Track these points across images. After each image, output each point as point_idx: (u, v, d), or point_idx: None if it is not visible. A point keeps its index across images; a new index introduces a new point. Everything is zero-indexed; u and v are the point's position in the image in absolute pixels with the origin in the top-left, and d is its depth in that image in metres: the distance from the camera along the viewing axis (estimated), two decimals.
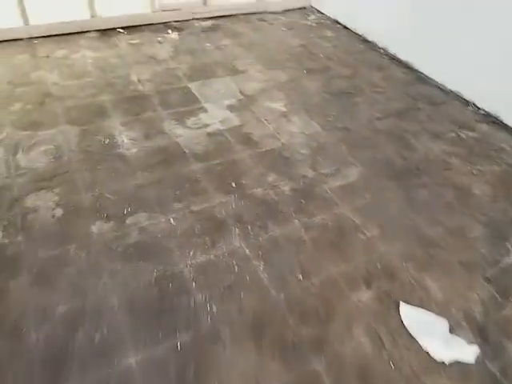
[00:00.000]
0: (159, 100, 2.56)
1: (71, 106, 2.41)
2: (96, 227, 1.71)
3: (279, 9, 4.04)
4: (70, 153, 2.07)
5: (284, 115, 2.54)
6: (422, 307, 1.56)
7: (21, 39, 3.01)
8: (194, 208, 1.84)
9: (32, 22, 3.02)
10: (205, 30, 3.50)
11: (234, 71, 2.94)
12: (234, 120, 2.45)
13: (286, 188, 1.99)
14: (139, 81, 2.72)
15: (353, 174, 2.12)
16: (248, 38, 3.45)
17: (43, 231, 1.67)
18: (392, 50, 3.37)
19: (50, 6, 3.27)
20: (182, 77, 2.81)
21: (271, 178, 2.05)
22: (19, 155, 2.03)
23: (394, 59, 3.29)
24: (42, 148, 2.08)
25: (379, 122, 2.54)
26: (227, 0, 3.82)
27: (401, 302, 1.56)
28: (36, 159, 2.01)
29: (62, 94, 2.51)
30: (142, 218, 1.77)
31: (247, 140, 2.29)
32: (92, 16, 3.20)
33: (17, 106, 2.36)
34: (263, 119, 2.48)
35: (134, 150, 2.14)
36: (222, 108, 2.55)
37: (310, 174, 2.09)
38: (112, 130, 2.27)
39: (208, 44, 3.27)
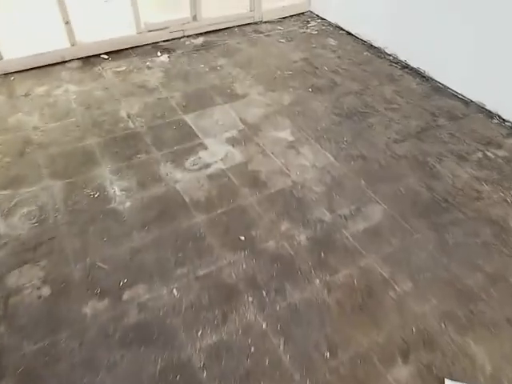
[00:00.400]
0: (153, 138, 2.40)
1: (55, 154, 2.26)
2: (89, 308, 1.56)
3: (275, 17, 3.88)
4: (56, 213, 1.92)
5: (292, 146, 2.37)
6: (468, 381, 1.39)
7: None
8: (200, 272, 1.68)
9: (6, 55, 2.87)
10: (197, 49, 3.35)
11: (233, 96, 2.78)
12: (238, 156, 2.29)
13: (301, 238, 1.83)
14: (129, 116, 2.57)
15: (375, 213, 1.95)
16: (245, 54, 3.29)
17: (29, 318, 1.52)
18: (402, 57, 3.20)
19: (25, 36, 3.13)
20: (176, 108, 2.66)
21: (284, 226, 1.88)
22: None
23: (405, 67, 3.12)
24: (24, 210, 1.93)
25: (398, 145, 2.37)
26: (218, 12, 3.66)
27: (445, 380, 1.39)
28: (17, 225, 1.86)
29: (44, 140, 2.36)
30: (140, 291, 1.61)
31: (254, 180, 2.13)
32: (72, 44, 3.05)
33: None
34: (269, 152, 2.32)
35: (128, 204, 1.98)
36: (223, 142, 2.39)
37: (327, 217, 1.93)
38: (102, 180, 2.11)
39: (202, 65, 3.12)
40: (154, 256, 1.75)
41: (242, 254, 1.75)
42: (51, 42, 3.03)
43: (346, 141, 2.40)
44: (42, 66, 2.99)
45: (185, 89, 2.85)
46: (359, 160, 2.27)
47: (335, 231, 1.86)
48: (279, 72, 3.07)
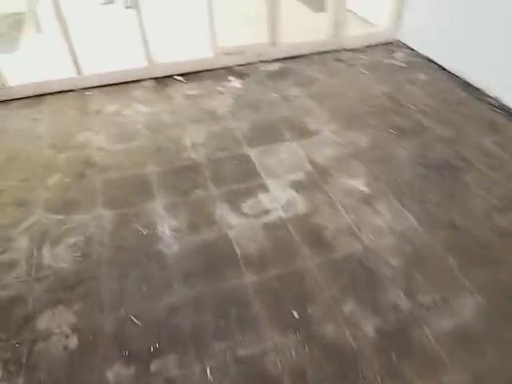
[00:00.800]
0: (212, 172, 2.19)
1: (113, 180, 2.14)
2: (113, 373, 1.34)
3: (359, 45, 3.54)
4: (101, 248, 1.77)
5: (366, 199, 2.01)
6: None
7: (73, 90, 2.88)
8: (240, 352, 1.40)
9: (85, 72, 2.88)
10: (272, 76, 3.12)
11: (304, 132, 2.49)
12: (301, 205, 1.99)
13: (368, 328, 1.46)
14: (193, 145, 2.39)
15: (467, 307, 1.52)
16: (322, 85, 3.00)
17: (50, 372, 1.35)
18: (508, 101, 2.68)
19: (104, 54, 3.15)
20: (241, 140, 2.43)
21: (348, 307, 1.53)
22: (45, 249, 1.77)
23: (511, 114, 2.59)
24: (72, 240, 1.81)
25: (501, 216, 1.90)
26: (298, 38, 3.42)
27: None
28: (62, 256, 1.73)
29: (106, 162, 2.26)
30: (170, 363, 1.37)
31: (317, 238, 1.81)
32: (149, 63, 2.99)
33: (55, 178, 2.15)
34: (338, 204, 1.98)
35: (175, 248, 1.77)
36: (287, 186, 2.10)
37: (404, 303, 1.54)
38: (154, 215, 1.93)
39: (275, 94, 2.88)
40: (192, 319, 1.50)
41: (293, 336, 1.43)
42: (128, 60, 3.00)
43: (434, 202, 1.98)
44: (118, 84, 2.96)
45: (253, 119, 2.62)
46: (450, 230, 1.84)
47: (413, 326, 1.46)
48: (358, 107, 2.72)
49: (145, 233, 1.85)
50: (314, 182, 2.13)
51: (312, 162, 2.26)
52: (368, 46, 3.55)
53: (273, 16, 3.13)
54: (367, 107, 2.73)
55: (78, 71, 2.85)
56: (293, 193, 2.06)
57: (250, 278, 1.64)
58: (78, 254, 1.74)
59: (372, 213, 1.94)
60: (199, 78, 3.08)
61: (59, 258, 1.73)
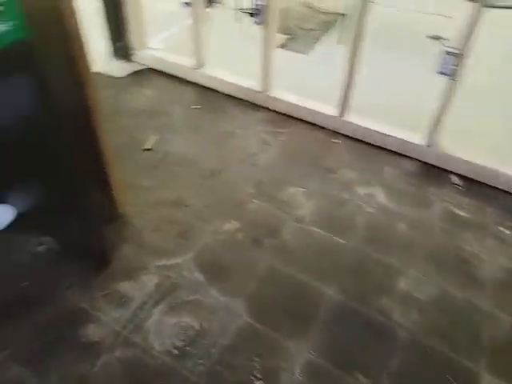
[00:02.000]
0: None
1: (277, 273, 1.72)
2: None
3: None
4: (203, 358, 1.40)
5: None
6: None
7: (323, 128, 2.56)
8: None
9: (347, 116, 2.49)
10: None
11: None
12: None
13: None
14: (407, 300, 1.69)
15: None
16: None
17: None
18: None
19: (376, 108, 2.65)
20: (485, 345, 1.57)
21: None
22: (160, 307, 1.53)
23: None
24: (187, 320, 1.51)
25: None
26: None
27: None
28: (163, 334, 1.46)
29: (291, 240, 1.86)
30: None
31: None
32: (428, 145, 2.35)
33: (232, 224, 1.88)
34: None
35: None
36: None
37: None
38: (287, 365, 1.42)
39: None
40: None
41: None
42: (399, 130, 2.44)
43: None
44: (375, 146, 2.47)
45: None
46: None
47: None
48: None
49: (257, 383, 1.37)
50: None
51: None
52: None
53: None
54: None
55: (340, 113, 2.49)
56: None
57: None
58: (177, 346, 1.43)
59: None
60: (484, 195, 2.20)
61: (160, 332, 1.47)
